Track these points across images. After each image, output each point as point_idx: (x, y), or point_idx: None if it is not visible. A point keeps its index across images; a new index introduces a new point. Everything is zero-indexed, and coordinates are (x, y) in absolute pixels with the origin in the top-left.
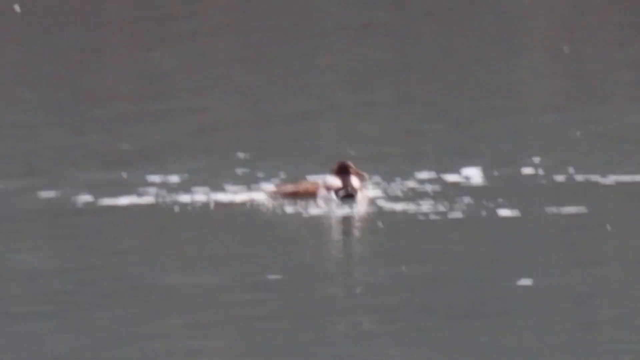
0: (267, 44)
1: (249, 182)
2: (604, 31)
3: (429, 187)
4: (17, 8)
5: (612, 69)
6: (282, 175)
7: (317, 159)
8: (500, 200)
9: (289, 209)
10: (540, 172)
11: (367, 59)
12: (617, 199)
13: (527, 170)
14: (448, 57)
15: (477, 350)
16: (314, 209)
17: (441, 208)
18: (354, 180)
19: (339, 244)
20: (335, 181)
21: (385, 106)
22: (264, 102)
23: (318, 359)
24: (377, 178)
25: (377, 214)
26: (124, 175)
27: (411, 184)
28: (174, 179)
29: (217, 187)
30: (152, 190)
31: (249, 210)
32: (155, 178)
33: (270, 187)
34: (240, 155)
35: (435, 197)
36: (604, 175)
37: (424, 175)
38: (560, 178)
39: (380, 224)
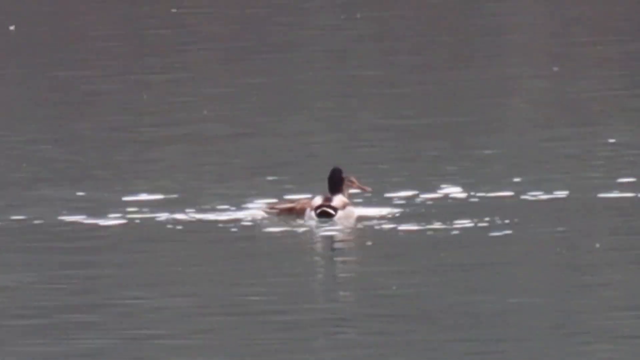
0: (259, 60)
1: (242, 199)
2: (594, 51)
3: (416, 206)
4: (11, 27)
5: (603, 90)
6: (277, 192)
7: (312, 177)
8: (487, 218)
9: (277, 227)
10: (527, 190)
11: (353, 76)
12: (604, 216)
13: (513, 189)
14: (436, 80)
15: None
16: (302, 227)
17: (429, 226)
18: (337, 199)
19: (324, 261)
20: (318, 200)
21: (372, 125)
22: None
23: None
24: (364, 196)
25: (366, 231)
26: (106, 194)
27: (400, 202)
28: (158, 197)
29: (207, 205)
30: (136, 208)
31: (237, 228)
32: (142, 196)
33: (265, 204)
34: (232, 171)
35: (424, 215)
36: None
37: (411, 193)
38: (546, 197)
39: (368, 242)
